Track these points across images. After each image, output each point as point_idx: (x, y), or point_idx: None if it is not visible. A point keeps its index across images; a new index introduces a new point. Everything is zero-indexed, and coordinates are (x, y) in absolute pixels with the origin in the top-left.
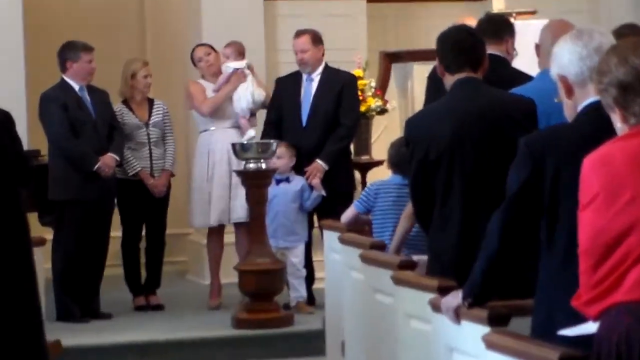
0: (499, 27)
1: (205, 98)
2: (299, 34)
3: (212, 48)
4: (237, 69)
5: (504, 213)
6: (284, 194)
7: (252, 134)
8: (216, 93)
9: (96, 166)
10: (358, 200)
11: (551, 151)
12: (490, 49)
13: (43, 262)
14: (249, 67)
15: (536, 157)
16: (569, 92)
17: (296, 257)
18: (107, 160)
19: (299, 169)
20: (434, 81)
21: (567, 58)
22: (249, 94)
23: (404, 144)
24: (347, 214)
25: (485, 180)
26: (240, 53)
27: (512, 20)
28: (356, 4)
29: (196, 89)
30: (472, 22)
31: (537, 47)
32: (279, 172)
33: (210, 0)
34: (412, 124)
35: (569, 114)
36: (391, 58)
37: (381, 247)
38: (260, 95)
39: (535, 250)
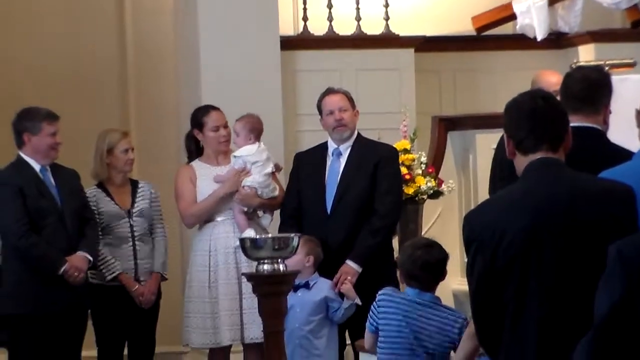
0: (595, 89)
1: (193, 199)
2: (331, 91)
3: None
4: (243, 164)
5: (592, 344)
6: (302, 305)
7: (251, 234)
8: (215, 190)
9: (62, 269)
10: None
11: None
12: (581, 120)
13: None
14: (269, 161)
15: (632, 270)
16: None
17: None
18: (77, 262)
19: (325, 269)
20: (502, 158)
21: None
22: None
23: (465, 245)
24: (367, 339)
25: (570, 295)
26: (253, 130)
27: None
28: (401, 55)
29: (184, 181)
30: (553, 78)
31: (639, 114)
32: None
33: (210, 53)
34: (473, 221)
35: None
36: (447, 125)
37: None
38: (268, 192)
39: None
